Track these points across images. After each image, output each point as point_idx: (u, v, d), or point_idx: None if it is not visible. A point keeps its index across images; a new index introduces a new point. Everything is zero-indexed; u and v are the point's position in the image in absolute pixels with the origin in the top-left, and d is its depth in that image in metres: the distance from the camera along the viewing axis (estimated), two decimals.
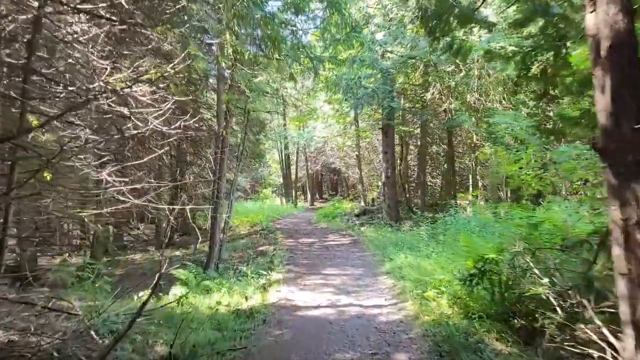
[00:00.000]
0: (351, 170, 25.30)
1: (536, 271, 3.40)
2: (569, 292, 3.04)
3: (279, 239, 11.34)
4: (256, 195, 32.09)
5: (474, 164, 12.57)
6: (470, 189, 15.60)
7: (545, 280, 3.27)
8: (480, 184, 16.44)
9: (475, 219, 8.96)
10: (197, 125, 11.70)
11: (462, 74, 10.90)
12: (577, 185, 7.22)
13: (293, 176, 29.53)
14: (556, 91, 4.85)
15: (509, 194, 14.60)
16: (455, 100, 11.02)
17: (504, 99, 10.69)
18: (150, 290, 5.97)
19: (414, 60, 10.24)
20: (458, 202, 16.33)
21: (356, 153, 19.19)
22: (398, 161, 15.81)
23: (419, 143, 18.34)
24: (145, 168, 10.92)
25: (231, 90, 6.29)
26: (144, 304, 2.90)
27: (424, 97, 11.28)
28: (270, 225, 15.54)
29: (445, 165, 18.61)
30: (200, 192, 13.68)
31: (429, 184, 19.52)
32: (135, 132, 5.52)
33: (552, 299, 3.12)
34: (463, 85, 11.15)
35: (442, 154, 18.99)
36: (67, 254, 8.51)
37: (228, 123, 7.59)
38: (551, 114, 10.30)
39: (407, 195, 15.35)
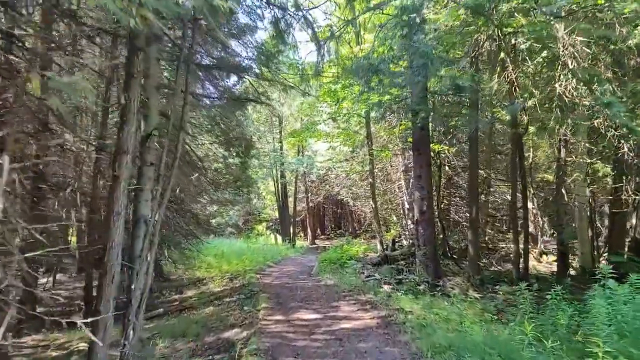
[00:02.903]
0: (360, 203, 21.12)
1: None
2: None
3: (260, 314, 7.03)
4: (248, 232, 27.77)
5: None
6: (535, 230, 11.45)
7: None
8: (540, 223, 12.24)
9: None
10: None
11: (544, 54, 7.08)
12: None
13: (291, 209, 25.30)
14: None
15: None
16: (532, 93, 7.04)
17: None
18: None
19: (483, 18, 6.28)
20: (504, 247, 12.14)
21: (369, 180, 15.11)
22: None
23: (450, 162, 14.34)
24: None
25: None
26: None
27: (487, 89, 7.31)
28: (255, 279, 11.23)
29: (483, 197, 14.50)
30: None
31: (455, 219, 15.27)
32: None
33: None
34: (545, 71, 7.30)
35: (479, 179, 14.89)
36: None
37: (131, 97, 3.54)
38: None
39: (446, 239, 11.09)
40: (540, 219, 11.51)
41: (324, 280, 10.47)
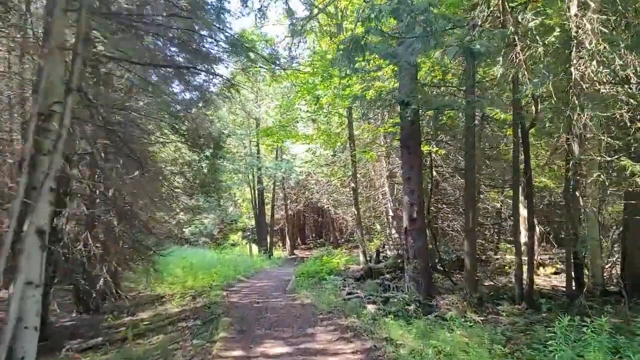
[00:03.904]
0: (342, 210, 19.89)
1: None
2: None
3: (215, 347, 5.62)
4: (224, 241, 26.10)
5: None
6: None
7: None
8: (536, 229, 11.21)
9: None
10: None
11: (557, 32, 6.10)
12: None
13: (268, 218, 23.84)
14: None
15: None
16: (545, 77, 5.97)
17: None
18: None
19: None
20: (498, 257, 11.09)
21: (352, 186, 13.89)
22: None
23: (437, 166, 13.25)
24: None
25: None
26: None
27: (490, 74, 6.23)
28: (221, 297, 9.79)
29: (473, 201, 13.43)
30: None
31: (442, 228, 14.16)
32: None
33: None
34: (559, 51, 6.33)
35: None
36: None
37: None
38: None
39: (437, 250, 9.87)
40: (535, 227, 10.48)
41: (300, 299, 9.12)
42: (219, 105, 16.60)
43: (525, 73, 5.92)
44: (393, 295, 7.98)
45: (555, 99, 5.60)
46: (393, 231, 16.30)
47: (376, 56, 5.83)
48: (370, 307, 7.63)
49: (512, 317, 6.45)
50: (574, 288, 6.98)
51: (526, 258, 7.39)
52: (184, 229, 32.66)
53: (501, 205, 14.99)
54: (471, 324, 5.97)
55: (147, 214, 9.96)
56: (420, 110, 7.89)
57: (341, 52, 5.73)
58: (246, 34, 14.86)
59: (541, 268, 10.37)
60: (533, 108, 6.76)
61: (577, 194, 6.19)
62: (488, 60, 6.13)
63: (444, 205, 14.76)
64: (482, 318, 6.34)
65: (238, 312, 8.03)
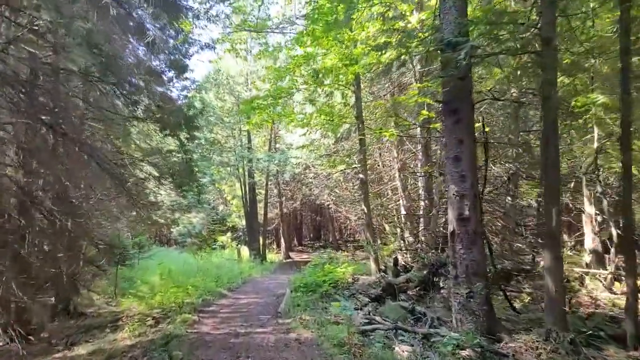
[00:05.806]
0: (344, 208, 17.26)
1: None
2: None
3: None
4: (212, 243, 23.37)
5: None
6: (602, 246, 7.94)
7: None
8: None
9: None
10: None
11: None
12: None
13: (261, 216, 21.17)
14: None
15: None
16: None
17: None
18: None
19: None
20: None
21: (360, 177, 11.26)
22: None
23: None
24: None
25: None
26: None
27: None
28: (188, 324, 7.17)
29: (510, 199, 10.84)
30: None
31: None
32: None
33: None
34: None
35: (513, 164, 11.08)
36: None
37: None
38: None
39: (492, 262, 7.14)
40: (612, 228, 7.92)
41: (297, 330, 6.51)
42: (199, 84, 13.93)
43: None
44: (435, 332, 5.39)
45: None
46: (406, 234, 13.75)
47: None
48: (403, 350, 5.05)
49: None
50: None
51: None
52: (172, 230, 30.02)
53: (537, 201, 12.42)
54: None
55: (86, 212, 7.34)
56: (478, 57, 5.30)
57: None
58: None
59: (617, 283, 7.82)
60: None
61: None
62: None
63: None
64: None
65: (205, 356, 5.43)
